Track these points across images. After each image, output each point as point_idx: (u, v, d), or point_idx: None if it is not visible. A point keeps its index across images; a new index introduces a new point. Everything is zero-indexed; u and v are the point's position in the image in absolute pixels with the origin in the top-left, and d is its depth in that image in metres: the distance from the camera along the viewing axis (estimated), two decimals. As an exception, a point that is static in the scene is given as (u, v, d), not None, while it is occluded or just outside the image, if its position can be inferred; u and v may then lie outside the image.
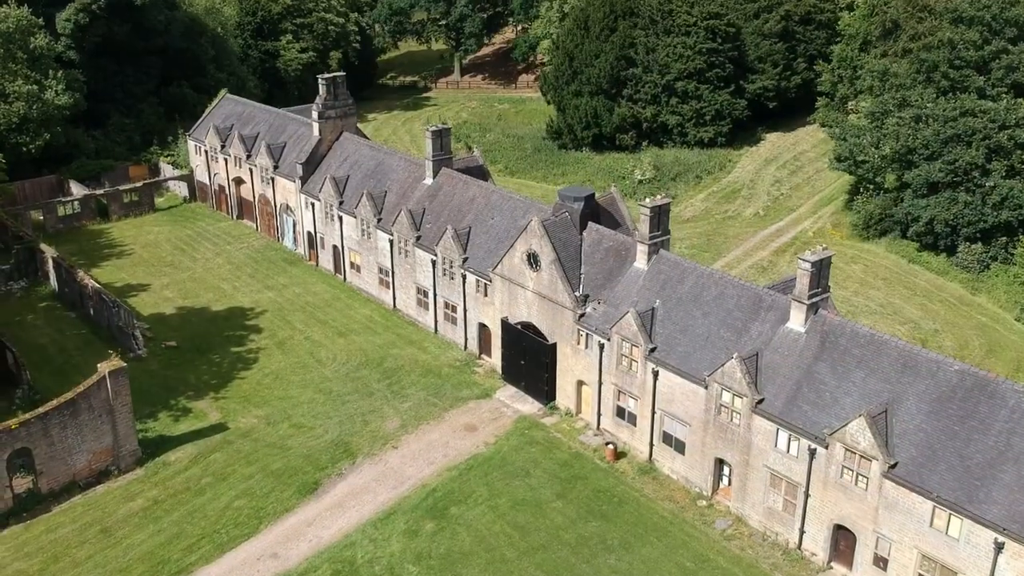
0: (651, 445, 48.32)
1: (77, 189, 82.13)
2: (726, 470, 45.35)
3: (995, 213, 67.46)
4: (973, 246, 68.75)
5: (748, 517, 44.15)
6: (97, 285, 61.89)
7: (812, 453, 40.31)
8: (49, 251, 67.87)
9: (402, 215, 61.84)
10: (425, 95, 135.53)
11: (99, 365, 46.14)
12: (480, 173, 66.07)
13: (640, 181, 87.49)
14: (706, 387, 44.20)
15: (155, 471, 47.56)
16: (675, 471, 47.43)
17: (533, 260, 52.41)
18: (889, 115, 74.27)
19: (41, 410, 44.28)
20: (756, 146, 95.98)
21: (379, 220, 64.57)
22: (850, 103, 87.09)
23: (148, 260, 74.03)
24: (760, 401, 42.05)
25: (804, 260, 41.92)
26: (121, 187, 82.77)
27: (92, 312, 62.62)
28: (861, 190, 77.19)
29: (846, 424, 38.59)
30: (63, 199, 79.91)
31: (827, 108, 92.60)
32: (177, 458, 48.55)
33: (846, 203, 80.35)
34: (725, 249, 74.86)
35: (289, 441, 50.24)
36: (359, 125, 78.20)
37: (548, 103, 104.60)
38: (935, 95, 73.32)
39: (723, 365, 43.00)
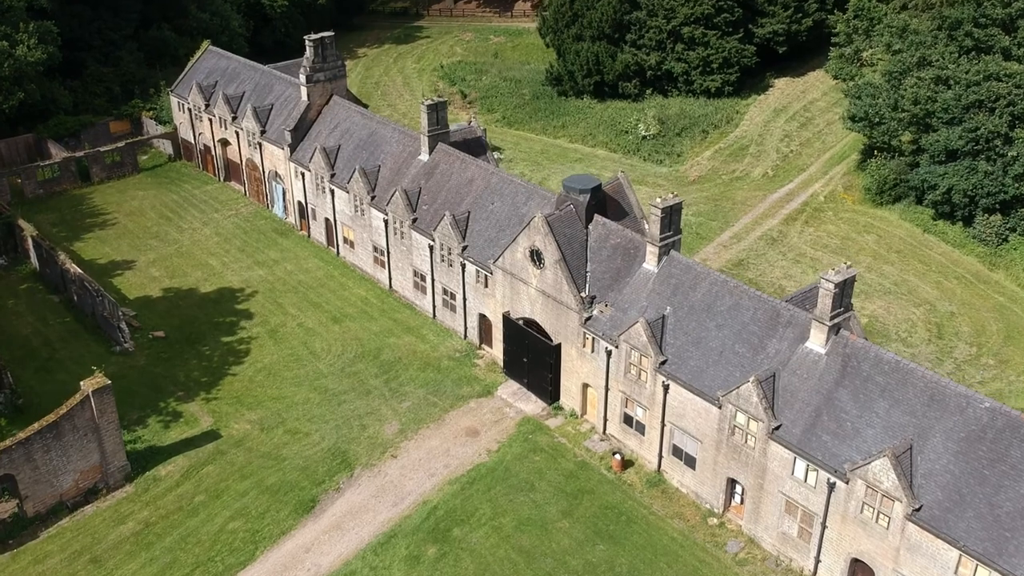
0: (660, 456, 46.62)
1: (56, 151, 78.44)
2: (738, 488, 43.75)
3: (1016, 184, 64.55)
4: (991, 217, 66.06)
5: (761, 539, 42.71)
6: (80, 272, 59.07)
7: (831, 486, 38.55)
8: (28, 229, 64.82)
9: (397, 195, 58.80)
10: (417, 24, 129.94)
11: (82, 383, 43.85)
12: (478, 145, 62.77)
13: (644, 137, 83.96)
14: (719, 407, 42.22)
15: (145, 488, 45.78)
16: (685, 484, 45.84)
17: (536, 257, 49.78)
18: (907, 74, 70.56)
19: (22, 435, 42.12)
20: (764, 94, 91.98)
21: (373, 198, 61.52)
22: (864, 53, 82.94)
23: (133, 231, 71.02)
24: (777, 427, 40.12)
25: (827, 280, 39.39)
26: (102, 148, 79.03)
27: (76, 298, 60.02)
28: (875, 153, 73.94)
29: (869, 462, 36.72)
30: (42, 164, 76.24)
31: (840, 60, 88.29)
32: (168, 472, 46.73)
33: (858, 163, 77.17)
34: (733, 217, 71.99)
35: (284, 450, 48.40)
36: (350, 63, 73.68)
37: (547, 47, 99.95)
38: (957, 54, 69.50)
39: (739, 387, 40.89)
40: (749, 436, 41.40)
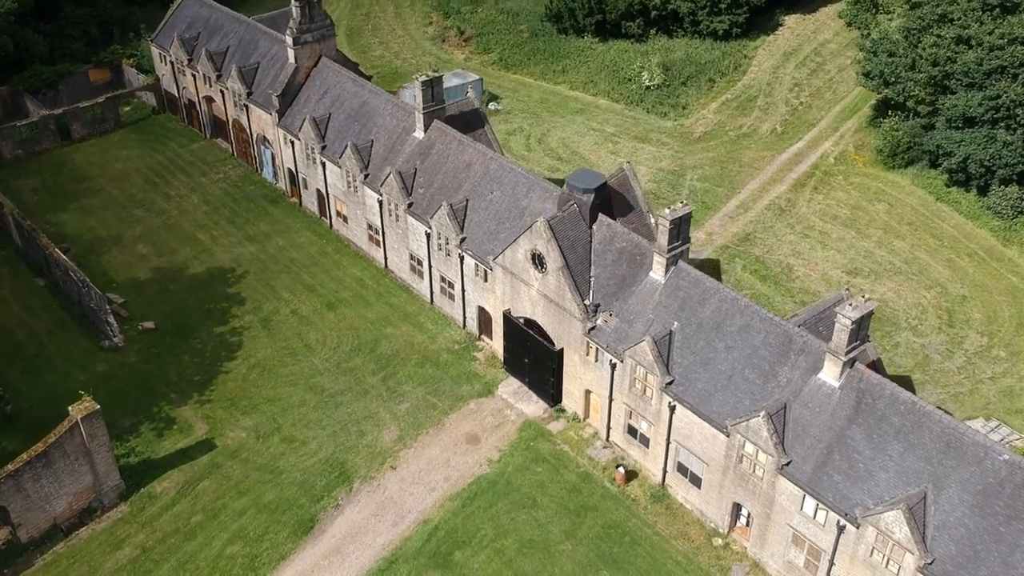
0: (664, 471, 45.77)
1: (34, 108, 74.93)
2: (744, 510, 43.04)
3: (1036, 156, 62.01)
4: (1008, 188, 63.65)
5: (766, 564, 42.23)
6: (64, 258, 56.89)
7: (841, 528, 37.76)
8: (8, 207, 62.25)
9: (392, 178, 56.25)
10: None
11: (70, 408, 42.40)
12: (476, 118, 59.84)
13: (648, 88, 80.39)
14: (728, 435, 41.07)
15: (141, 507, 44.94)
16: (689, 501, 45.13)
17: (538, 261, 47.79)
18: (927, 32, 66.93)
19: (11, 467, 40.97)
20: (774, 35, 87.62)
21: (366, 176, 58.94)
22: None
23: (117, 199, 68.39)
24: (787, 463, 39.06)
25: (844, 316, 37.66)
26: (82, 104, 75.48)
27: (61, 284, 58.06)
28: (889, 113, 70.85)
29: (882, 512, 35.79)
30: (19, 123, 72.87)
31: (854, 5, 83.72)
32: (164, 489, 45.82)
33: (871, 119, 74.09)
34: (740, 182, 69.42)
35: (281, 462, 47.42)
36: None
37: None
38: (980, 11, 65.69)
39: (749, 420, 39.65)
40: (757, 466, 40.41)
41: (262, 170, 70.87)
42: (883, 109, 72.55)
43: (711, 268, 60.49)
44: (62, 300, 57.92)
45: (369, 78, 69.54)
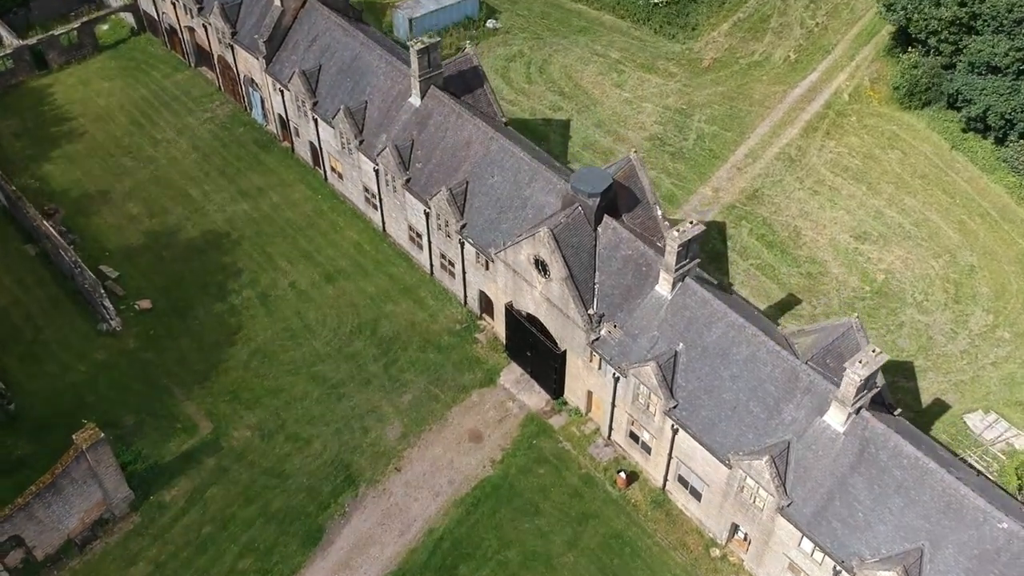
0: (665, 479, 46.50)
1: (8, 38, 70.62)
2: (742, 530, 44.06)
3: (1060, 111, 59.47)
4: (1027, 142, 61.53)
5: (762, 579, 43.73)
6: (57, 235, 55.24)
7: (837, 572, 38.74)
8: (-11, 168, 60.05)
9: (388, 151, 53.97)
10: None
11: (74, 437, 42.35)
12: (475, 76, 56.78)
13: (655, 4, 75.78)
14: (730, 467, 41.44)
15: (151, 517, 45.74)
16: (689, 509, 46.09)
17: (541, 267, 46.61)
18: (956, -35, 62.60)
19: (20, 500, 41.39)
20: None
21: (361, 142, 56.52)
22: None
23: (103, 144, 65.71)
24: (788, 504, 39.62)
25: (854, 372, 37.15)
26: (57, 31, 71.16)
27: (52, 256, 56.71)
28: (909, 48, 67.19)
29: (878, 571, 36.62)
30: (-8, 56, 69.14)
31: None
32: (173, 497, 46.53)
33: (888, 48, 70.45)
34: (749, 125, 66.74)
35: (286, 464, 47.94)
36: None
37: None
38: (1016, -54, 61.13)
39: (752, 460, 39.90)
40: (758, 499, 41.02)
41: (251, 111, 67.84)
42: (902, 38, 68.83)
43: (717, 232, 59.19)
44: (54, 273, 56.74)
45: (360, 12, 65.44)
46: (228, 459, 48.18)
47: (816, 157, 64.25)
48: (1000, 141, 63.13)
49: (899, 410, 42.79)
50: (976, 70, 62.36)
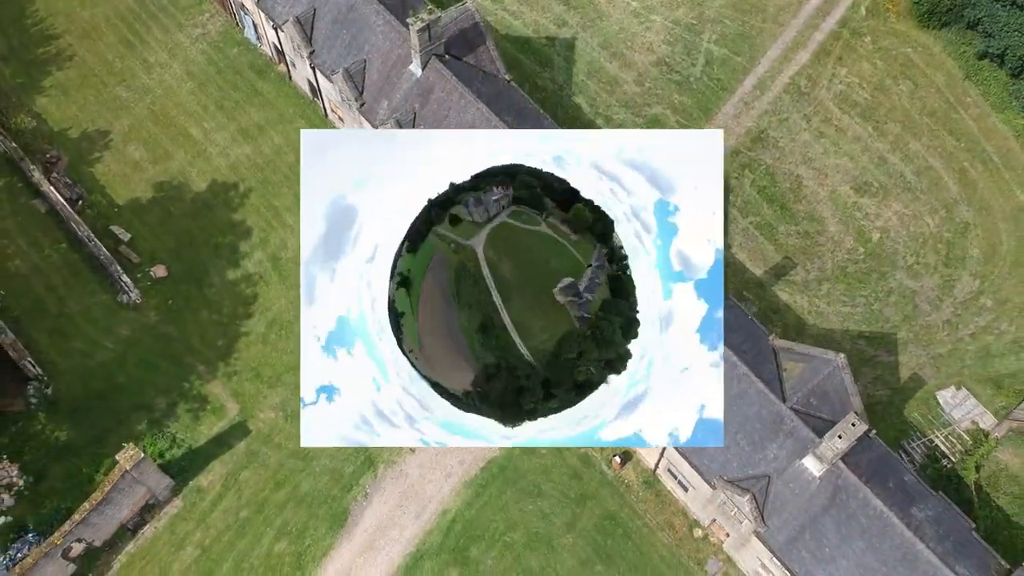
0: (656, 466, 51.12)
1: (-27, -63, 66.16)
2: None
3: (1080, 58, 57.87)
4: (1042, 82, 60.31)
5: (739, 562, 49.56)
6: (69, 208, 55.72)
7: (801, 588, 44.46)
8: (-14, 120, 59.00)
9: (390, 125, 53.36)
10: None
11: (118, 457, 46.37)
12: (477, 34, 54.88)
13: None
14: (714, 488, 45.90)
15: (192, 502, 50.76)
16: (676, 493, 51.12)
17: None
18: None
19: (77, 517, 46.14)
20: None
21: (362, 104, 55.56)
22: None
23: (94, 68, 63.84)
24: (763, 530, 44.51)
25: (834, 445, 40.58)
26: (26, -72, 66.47)
27: (63, 216, 57.49)
28: (935, -39, 63.58)
29: (837, 602, 42.26)
30: (-37, -37, 65.04)
31: None
32: (210, 482, 51.30)
33: (915, -52, 66.45)
34: (760, 46, 64.54)
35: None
36: None
37: None
38: None
39: (734, 495, 44.24)
40: (737, 514, 45.87)
41: (243, 31, 65.14)
42: (931, -57, 64.83)
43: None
44: (67, 232, 57.76)
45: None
46: (256, 442, 52.51)
47: (826, 90, 63.01)
48: (1016, 75, 61.69)
49: (773, 334, 47.84)
50: (1000, 0, 59.72)
